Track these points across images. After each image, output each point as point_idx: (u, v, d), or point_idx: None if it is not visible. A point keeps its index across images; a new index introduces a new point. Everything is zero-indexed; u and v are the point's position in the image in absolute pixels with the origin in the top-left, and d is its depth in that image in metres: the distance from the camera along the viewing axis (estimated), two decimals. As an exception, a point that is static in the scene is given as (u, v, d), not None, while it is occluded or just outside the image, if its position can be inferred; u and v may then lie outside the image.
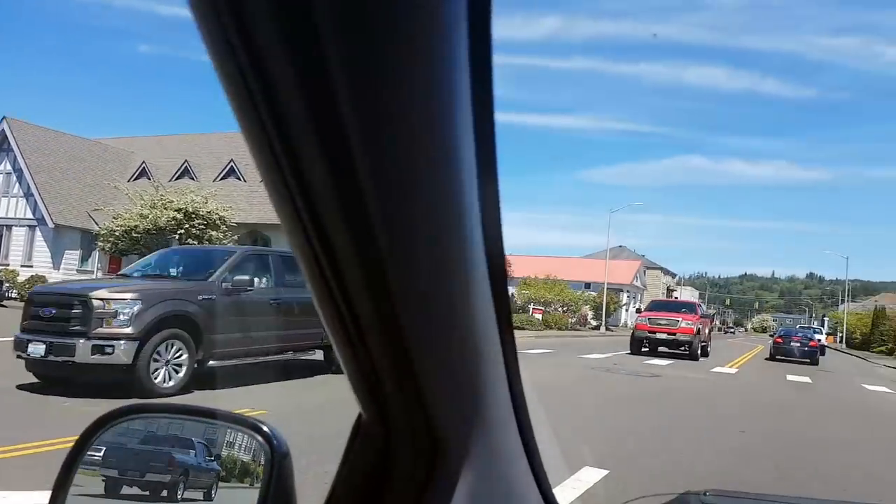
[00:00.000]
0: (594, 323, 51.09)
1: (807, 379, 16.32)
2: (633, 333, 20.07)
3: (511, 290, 52.74)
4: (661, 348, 19.68)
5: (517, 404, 0.79)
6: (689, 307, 21.69)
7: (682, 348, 19.28)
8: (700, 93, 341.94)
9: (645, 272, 79.32)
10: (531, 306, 43.65)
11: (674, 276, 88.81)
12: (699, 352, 19.26)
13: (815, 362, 24.43)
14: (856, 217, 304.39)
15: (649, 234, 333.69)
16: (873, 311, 55.67)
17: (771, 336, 39.82)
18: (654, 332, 19.14)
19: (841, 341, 77.12)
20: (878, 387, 15.73)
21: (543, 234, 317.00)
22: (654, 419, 8.24)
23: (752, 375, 16.49)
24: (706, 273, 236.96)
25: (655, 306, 21.88)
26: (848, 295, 66.95)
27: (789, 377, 16.53)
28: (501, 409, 0.76)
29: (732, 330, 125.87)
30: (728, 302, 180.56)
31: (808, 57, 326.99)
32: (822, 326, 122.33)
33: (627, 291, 69.13)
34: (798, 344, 25.36)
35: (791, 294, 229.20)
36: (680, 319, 19.08)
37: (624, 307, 66.49)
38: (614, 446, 6.05)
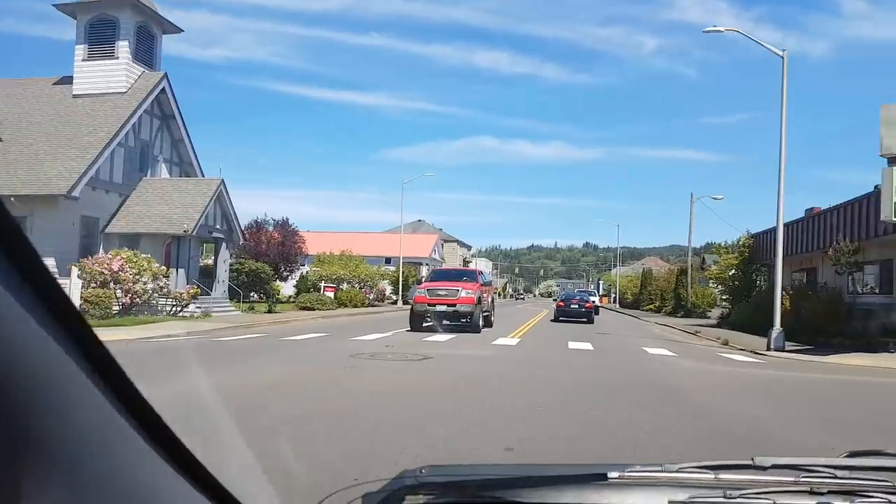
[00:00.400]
0: (394, 298, 49.49)
1: (588, 346, 15.55)
2: (412, 308, 18.04)
3: (304, 268, 49.26)
4: (445, 322, 17.95)
5: (140, 421, 0.74)
6: (469, 275, 20.25)
7: (464, 320, 17.69)
8: (488, 76, 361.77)
9: (443, 245, 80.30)
10: (323, 284, 40.31)
11: (469, 248, 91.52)
12: (480, 323, 17.84)
13: (591, 321, 28.77)
14: (624, 192, 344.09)
15: (448, 211, 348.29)
16: (641, 273, 61.70)
17: (554, 301, 43.58)
18: (434, 305, 17.25)
19: (614, 301, 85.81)
20: (659, 350, 15.38)
21: (348, 212, 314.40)
22: (398, 421, 5.82)
23: (535, 345, 15.27)
24: (500, 245, 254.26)
25: (435, 276, 20.11)
26: (619, 259, 73.94)
27: (571, 345, 15.63)
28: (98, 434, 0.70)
29: (522, 296, 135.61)
30: (517, 271, 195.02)
31: (582, 45, 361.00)
32: (598, 290, 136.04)
33: (426, 264, 68.99)
34: (576, 306, 29.67)
35: (571, 262, 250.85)
36: (460, 289, 17.38)
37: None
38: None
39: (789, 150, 16.70)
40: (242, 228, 44.41)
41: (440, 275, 20.56)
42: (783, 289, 17.85)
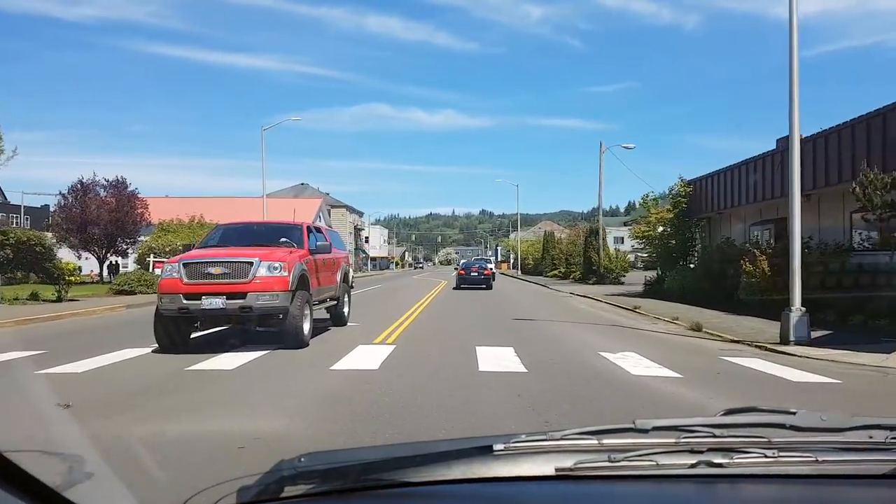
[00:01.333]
0: None
1: (509, 354, 8.95)
2: (156, 308, 9.11)
3: (143, 238, 39.77)
4: (226, 326, 10.00)
5: None
6: (286, 233, 10.93)
7: (272, 324, 9.24)
8: (381, 42, 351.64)
9: (329, 212, 71.89)
10: (152, 259, 30.91)
11: (360, 214, 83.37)
12: (306, 328, 9.44)
13: (489, 287, 30.30)
14: (516, 160, 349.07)
15: (343, 180, 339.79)
16: (543, 236, 56.77)
17: (455, 269, 43.57)
18: (200, 297, 8.69)
19: (514, 267, 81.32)
20: (635, 358, 8.96)
21: (235, 181, 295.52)
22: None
23: (417, 365, 8.36)
24: (398, 214, 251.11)
25: (216, 237, 11.13)
26: (519, 223, 69.14)
27: (482, 354, 8.97)
28: None
29: (422, 265, 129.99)
30: (415, 238, 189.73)
31: (474, 14, 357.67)
32: (496, 256, 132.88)
33: (307, 233, 60.53)
34: (476, 273, 31.01)
35: (469, 229, 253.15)
36: (254, 262, 8.83)
37: None
38: None
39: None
40: (64, 192, 34.81)
41: (227, 234, 11.10)
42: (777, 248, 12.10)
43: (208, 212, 43.72)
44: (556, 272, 48.07)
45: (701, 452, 1.17)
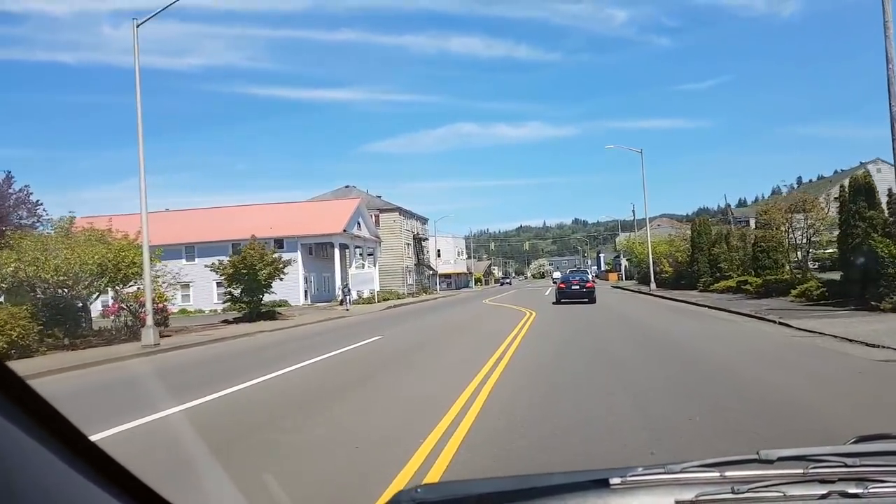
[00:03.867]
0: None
1: None
2: None
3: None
4: None
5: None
6: None
7: None
8: (463, 61, 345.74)
9: (376, 217, 55.19)
10: None
11: (423, 220, 66.04)
12: None
13: (592, 300, 27.92)
14: (606, 164, 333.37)
15: (433, 200, 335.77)
16: (692, 228, 36.53)
17: (554, 282, 43.31)
18: None
19: (630, 277, 60.91)
20: None
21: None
22: None
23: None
24: (488, 229, 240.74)
25: None
26: (646, 205, 49.31)
27: None
28: None
29: (509, 280, 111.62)
30: (491, 249, 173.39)
31: (552, 22, 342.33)
32: (598, 265, 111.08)
33: (338, 245, 43.84)
34: (577, 287, 28.95)
35: (562, 239, 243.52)
36: None
37: (304, 275, 41.22)
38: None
39: None
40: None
41: None
42: None
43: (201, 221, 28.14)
44: (724, 284, 28.30)
45: (832, 482, 1.10)
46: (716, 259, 32.08)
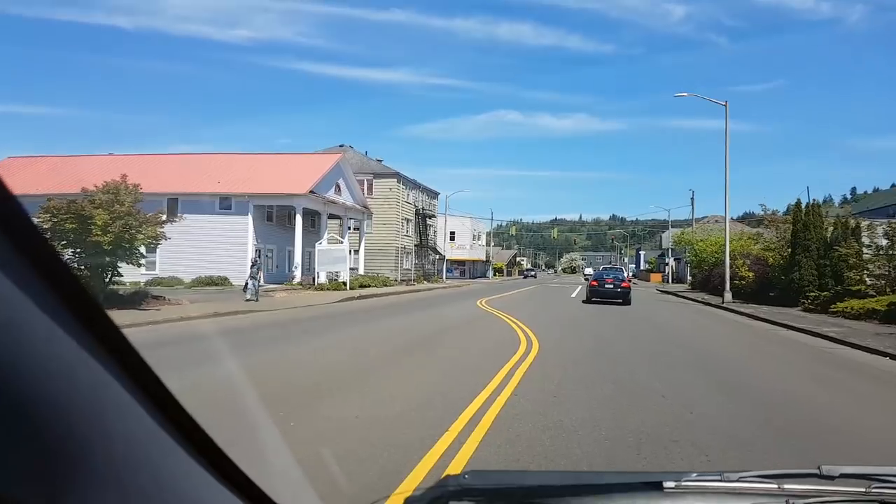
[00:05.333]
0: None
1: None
2: None
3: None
4: None
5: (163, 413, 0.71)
6: None
7: None
8: (511, 48, 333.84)
9: (368, 183, 44.77)
10: None
11: (434, 194, 55.34)
12: None
13: (627, 302, 24.95)
14: (651, 162, 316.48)
15: (470, 186, 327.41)
16: (793, 217, 24.90)
17: (586, 279, 39.13)
18: None
19: (678, 280, 49.41)
20: None
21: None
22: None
23: None
24: (521, 219, 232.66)
25: None
26: (728, 182, 37.41)
27: None
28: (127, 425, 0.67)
29: (533, 273, 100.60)
30: (519, 240, 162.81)
31: (609, 15, 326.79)
32: (637, 264, 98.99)
33: (298, 210, 33.48)
34: (611, 286, 25.79)
35: (597, 235, 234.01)
36: None
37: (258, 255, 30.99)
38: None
39: None
40: None
41: None
42: None
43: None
44: (859, 303, 17.24)
45: None
46: (835, 266, 20.85)
